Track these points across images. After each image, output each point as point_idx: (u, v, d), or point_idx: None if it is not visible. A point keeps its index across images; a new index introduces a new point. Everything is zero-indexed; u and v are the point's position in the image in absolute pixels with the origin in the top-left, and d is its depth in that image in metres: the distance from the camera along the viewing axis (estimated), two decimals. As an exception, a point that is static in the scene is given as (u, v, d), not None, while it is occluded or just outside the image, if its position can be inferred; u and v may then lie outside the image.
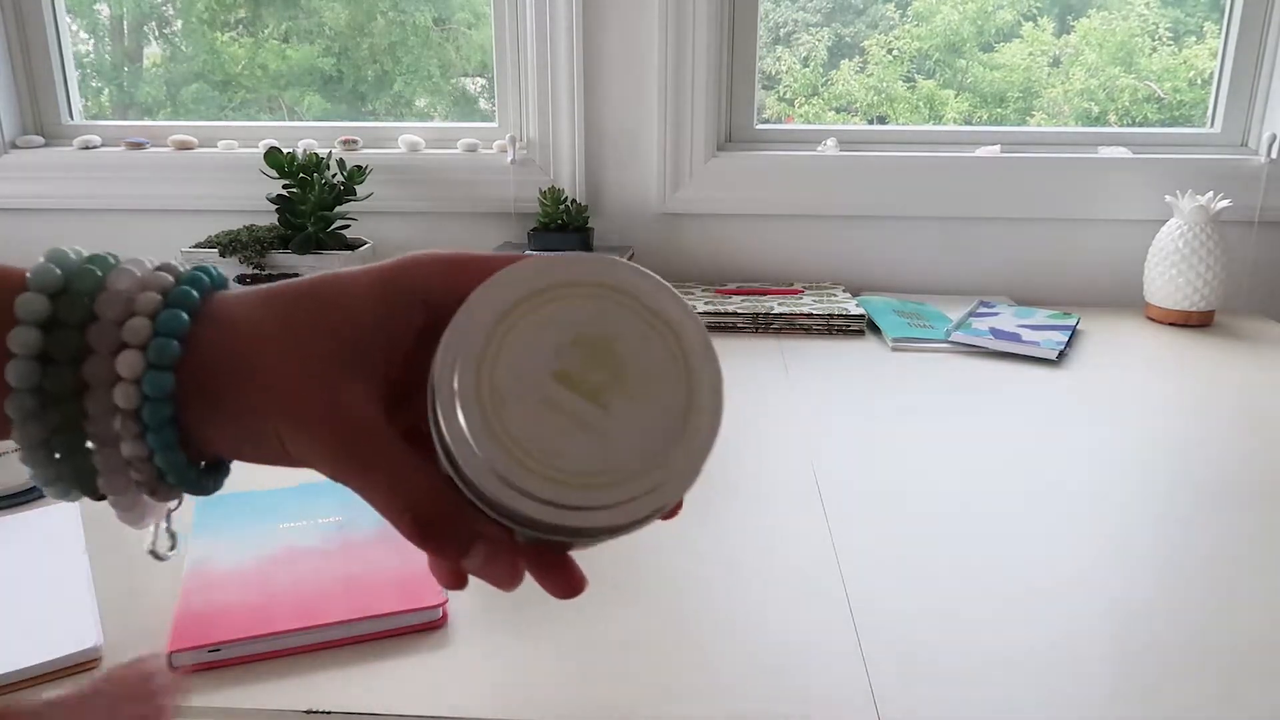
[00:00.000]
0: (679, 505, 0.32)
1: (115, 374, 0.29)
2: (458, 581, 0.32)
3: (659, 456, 0.27)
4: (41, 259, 0.30)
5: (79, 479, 0.30)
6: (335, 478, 0.29)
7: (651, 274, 0.30)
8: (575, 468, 0.27)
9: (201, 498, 0.47)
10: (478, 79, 1.67)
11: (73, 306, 0.29)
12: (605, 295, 0.29)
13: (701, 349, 0.29)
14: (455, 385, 0.27)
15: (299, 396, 0.29)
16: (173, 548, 0.35)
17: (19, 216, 1.51)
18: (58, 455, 0.30)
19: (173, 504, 0.33)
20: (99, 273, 0.30)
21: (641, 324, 0.28)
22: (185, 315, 0.29)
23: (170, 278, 0.31)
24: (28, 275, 0.29)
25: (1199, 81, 1.54)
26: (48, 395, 0.29)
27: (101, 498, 0.31)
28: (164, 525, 0.34)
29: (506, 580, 0.29)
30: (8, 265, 0.30)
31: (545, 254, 0.29)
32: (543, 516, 0.26)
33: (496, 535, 0.29)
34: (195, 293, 0.30)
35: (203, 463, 0.32)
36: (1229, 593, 0.63)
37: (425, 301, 0.30)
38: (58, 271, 0.29)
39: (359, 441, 0.29)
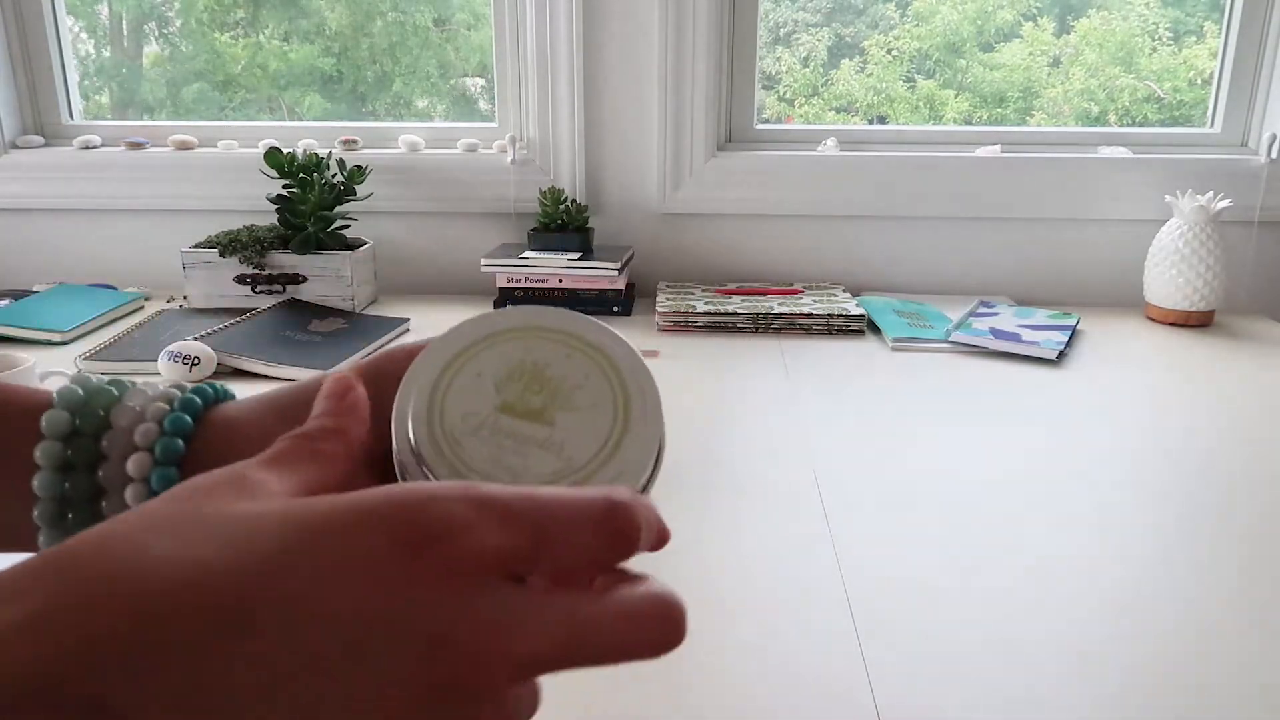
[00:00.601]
0: (666, 534, 0.33)
1: (127, 476, 0.32)
2: None
3: (612, 450, 0.30)
4: (67, 382, 0.34)
5: None
6: None
7: (566, 311, 0.33)
8: (537, 479, 0.29)
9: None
10: (477, 79, 1.68)
11: (90, 418, 0.33)
12: (527, 336, 0.32)
13: (626, 358, 0.32)
14: (412, 440, 0.29)
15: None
16: None
17: (19, 216, 1.51)
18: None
19: None
20: (115, 392, 0.34)
21: (564, 349, 0.31)
22: (189, 418, 0.33)
23: (177, 392, 0.34)
24: (54, 395, 0.33)
25: (1199, 81, 1.54)
26: (68, 502, 0.32)
27: None
28: None
29: None
30: (35, 390, 0.34)
31: (470, 317, 0.32)
32: None
33: None
34: (199, 400, 0.34)
35: None
36: (1230, 591, 0.63)
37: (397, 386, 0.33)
38: (80, 391, 0.33)
39: None
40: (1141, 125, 1.57)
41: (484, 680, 0.20)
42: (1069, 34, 1.61)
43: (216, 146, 1.50)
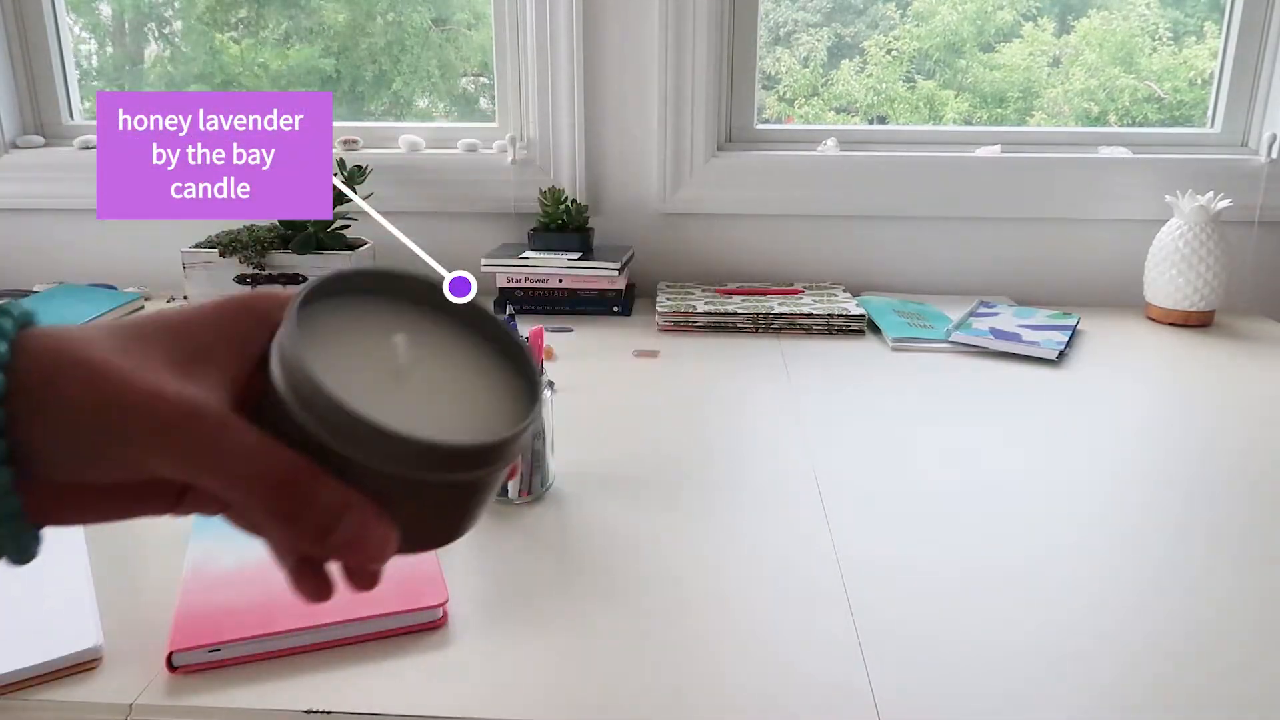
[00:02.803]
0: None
1: None
2: (321, 590, 0.32)
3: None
4: None
5: None
6: (189, 471, 0.28)
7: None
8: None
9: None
10: (479, 78, 1.68)
11: None
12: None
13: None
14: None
15: (148, 395, 0.27)
16: None
17: (19, 216, 1.51)
18: None
19: None
20: None
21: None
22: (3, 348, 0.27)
23: None
24: None
25: (1199, 81, 1.54)
26: None
27: None
28: None
29: (379, 551, 0.29)
30: None
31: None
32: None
33: (363, 501, 0.29)
34: (7, 324, 0.28)
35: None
36: (1229, 590, 0.63)
37: (268, 325, 0.31)
38: None
39: (206, 428, 0.28)
40: (1141, 125, 1.57)
41: None
42: (1069, 34, 1.61)
43: (216, 146, 1.50)
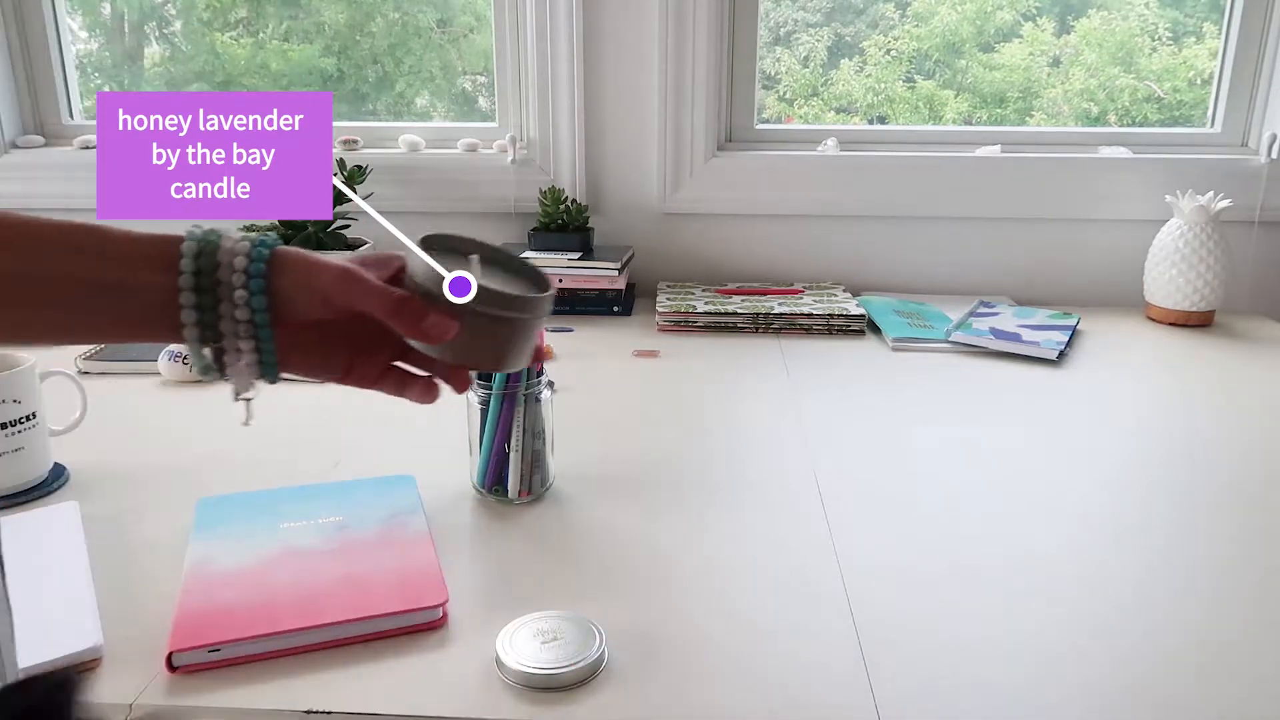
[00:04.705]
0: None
1: (233, 286, 0.49)
2: (431, 388, 0.58)
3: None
4: (185, 235, 0.51)
5: (216, 367, 0.51)
6: (355, 300, 0.50)
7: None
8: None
9: (203, 499, 0.51)
10: (478, 77, 1.68)
11: (208, 258, 0.50)
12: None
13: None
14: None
15: (340, 270, 0.51)
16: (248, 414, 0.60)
17: (19, 216, 1.51)
18: (207, 351, 0.50)
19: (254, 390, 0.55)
20: (215, 238, 0.51)
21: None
22: (266, 251, 0.50)
23: (246, 243, 0.51)
24: (182, 247, 0.51)
25: (1199, 81, 1.54)
26: (202, 313, 0.50)
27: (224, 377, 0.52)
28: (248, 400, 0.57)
29: (443, 331, 0.51)
30: (168, 235, 0.52)
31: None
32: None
33: (436, 309, 0.52)
34: (266, 249, 0.50)
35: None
36: (1229, 592, 0.63)
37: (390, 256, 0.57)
38: (196, 241, 0.51)
39: (360, 277, 0.51)
40: (1141, 125, 1.57)
41: None
42: (1069, 34, 1.60)
43: (216, 146, 1.50)
